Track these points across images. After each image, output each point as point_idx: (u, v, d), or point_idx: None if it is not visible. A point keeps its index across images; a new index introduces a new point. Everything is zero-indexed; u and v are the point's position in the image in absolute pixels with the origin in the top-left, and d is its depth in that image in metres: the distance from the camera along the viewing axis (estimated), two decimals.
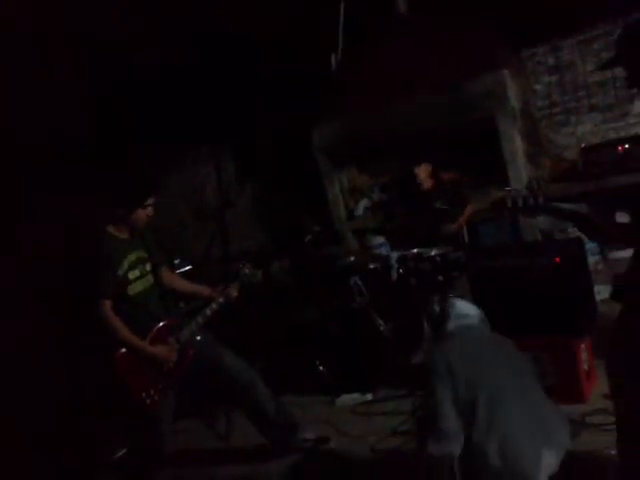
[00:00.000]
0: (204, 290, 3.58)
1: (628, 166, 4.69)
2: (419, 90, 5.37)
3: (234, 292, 3.51)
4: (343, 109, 5.87)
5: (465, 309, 2.80)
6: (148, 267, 3.36)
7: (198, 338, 3.39)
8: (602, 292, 4.38)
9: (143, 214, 3.26)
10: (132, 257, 3.27)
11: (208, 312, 3.42)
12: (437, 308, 4.47)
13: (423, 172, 4.92)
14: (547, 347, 3.45)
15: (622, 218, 3.82)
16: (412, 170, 4.94)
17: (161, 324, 3.28)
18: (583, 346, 3.52)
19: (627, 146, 4.94)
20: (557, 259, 3.43)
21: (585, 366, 3.51)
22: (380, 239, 5.84)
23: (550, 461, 2.34)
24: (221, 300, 3.46)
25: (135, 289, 3.26)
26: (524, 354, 2.74)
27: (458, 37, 5.34)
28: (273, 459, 3.70)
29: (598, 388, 3.39)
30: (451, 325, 2.72)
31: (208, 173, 6.58)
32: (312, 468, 3.58)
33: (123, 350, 3.12)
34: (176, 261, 4.53)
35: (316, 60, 5.75)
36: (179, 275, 4.11)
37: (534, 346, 3.44)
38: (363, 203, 6.43)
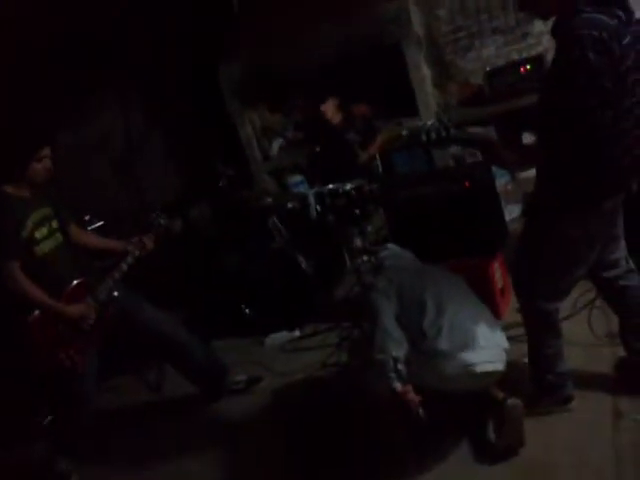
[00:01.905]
0: (118, 244, 3.45)
1: (530, 87, 4.79)
2: (323, 21, 5.27)
3: (149, 243, 3.41)
4: (246, 46, 5.70)
5: (398, 250, 3.21)
6: (55, 224, 3.18)
7: (116, 294, 3.30)
8: (513, 211, 4.56)
9: (40, 168, 3.03)
10: (36, 216, 3.07)
11: (124, 266, 3.31)
12: (358, 242, 4.57)
13: (330, 107, 4.85)
14: (461, 269, 3.55)
15: (528, 139, 3.94)
16: (318, 106, 4.87)
17: (75, 283, 3.16)
18: (496, 265, 3.65)
19: (528, 67, 5.05)
20: (466, 184, 3.52)
21: (499, 284, 3.66)
22: (298, 178, 5.82)
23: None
24: (137, 253, 3.36)
25: (43, 249, 3.08)
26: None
27: None
28: (207, 405, 3.74)
29: (513, 303, 3.55)
30: (388, 260, 3.07)
31: (114, 121, 6.25)
32: (247, 408, 3.62)
33: (36, 312, 3.00)
34: (86, 217, 4.33)
35: None
36: (91, 231, 3.98)
37: (449, 270, 3.55)
38: (277, 143, 6.35)
